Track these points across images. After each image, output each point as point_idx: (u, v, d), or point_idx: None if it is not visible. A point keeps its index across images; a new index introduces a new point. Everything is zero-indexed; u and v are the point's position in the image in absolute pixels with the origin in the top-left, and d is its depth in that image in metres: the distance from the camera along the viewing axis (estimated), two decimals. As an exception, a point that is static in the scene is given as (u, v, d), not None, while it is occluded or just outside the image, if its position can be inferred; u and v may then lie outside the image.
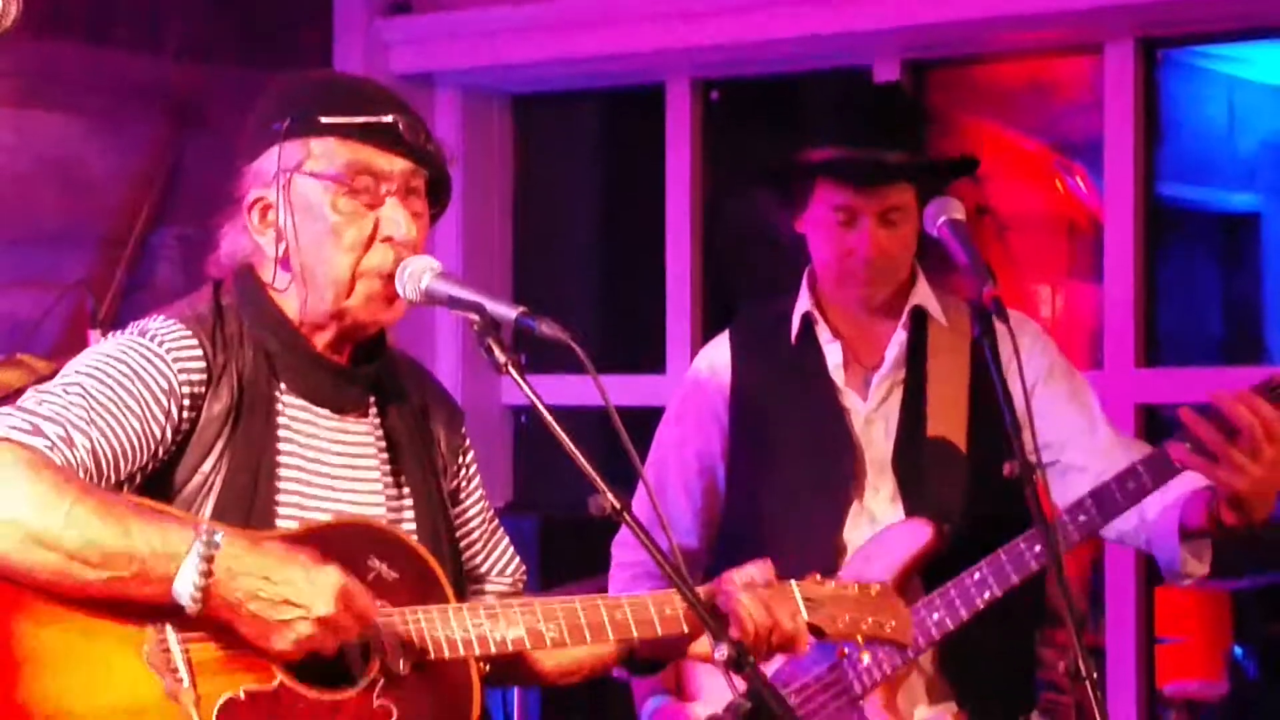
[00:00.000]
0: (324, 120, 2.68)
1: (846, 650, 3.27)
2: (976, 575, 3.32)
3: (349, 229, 2.67)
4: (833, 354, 3.55)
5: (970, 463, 3.47)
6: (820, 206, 3.47)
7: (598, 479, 2.50)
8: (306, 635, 2.47)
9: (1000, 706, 3.50)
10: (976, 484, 3.45)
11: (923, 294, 3.56)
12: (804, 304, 3.58)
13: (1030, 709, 3.55)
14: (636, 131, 6.15)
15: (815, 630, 2.82)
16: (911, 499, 3.45)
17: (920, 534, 3.35)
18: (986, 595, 3.32)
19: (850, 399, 3.53)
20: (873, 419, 3.51)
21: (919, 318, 3.55)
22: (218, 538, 2.44)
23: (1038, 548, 3.28)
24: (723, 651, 2.42)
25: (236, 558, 2.45)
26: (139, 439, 2.57)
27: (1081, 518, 3.29)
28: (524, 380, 2.53)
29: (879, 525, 3.44)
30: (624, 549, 3.67)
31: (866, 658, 3.31)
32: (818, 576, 2.91)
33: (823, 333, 3.56)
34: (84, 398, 2.55)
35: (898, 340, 3.53)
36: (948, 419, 3.48)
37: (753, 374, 3.60)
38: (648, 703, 3.56)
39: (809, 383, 3.54)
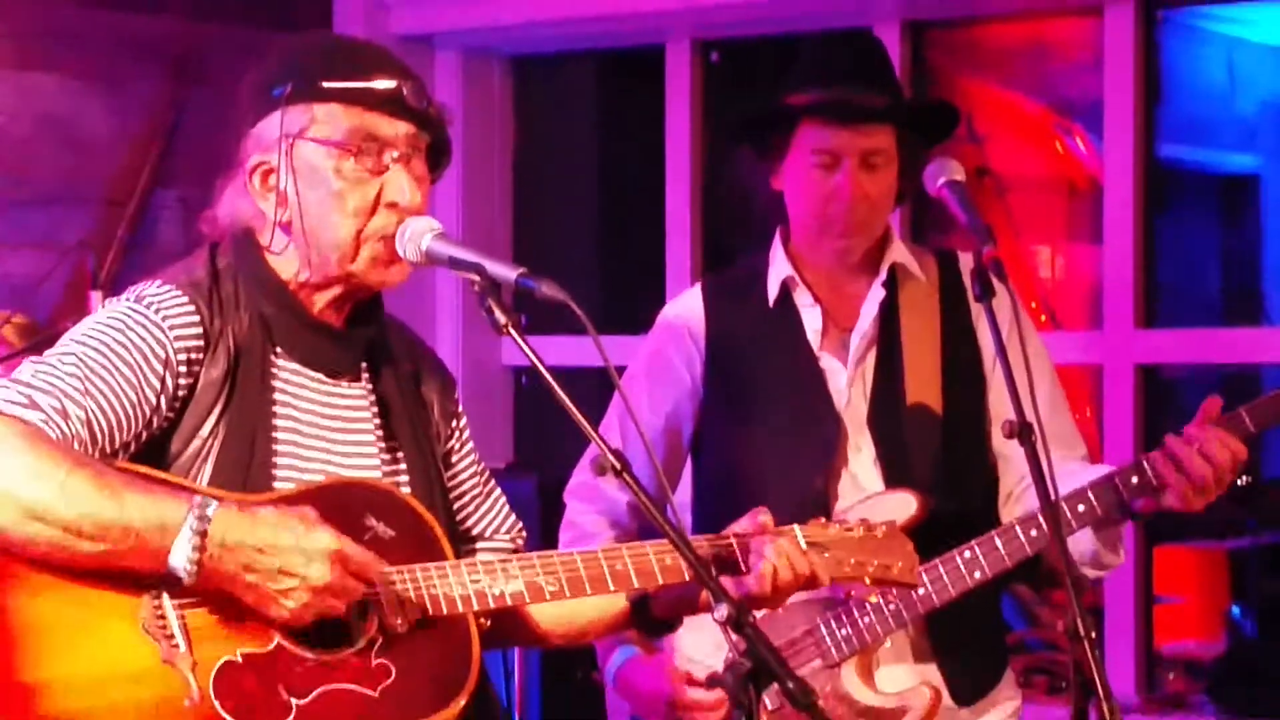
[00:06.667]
0: (327, 85, 2.66)
1: (853, 593, 3.28)
2: (983, 547, 3.32)
3: (353, 194, 2.66)
4: (811, 319, 3.51)
5: (945, 424, 3.46)
6: (800, 152, 3.43)
7: (599, 439, 2.51)
8: (305, 604, 2.47)
9: (979, 665, 3.49)
10: (953, 445, 3.45)
11: (899, 250, 3.53)
12: (782, 268, 3.53)
13: (1004, 667, 3.55)
14: (636, 93, 6.15)
15: None
16: (891, 461, 3.44)
17: (907, 506, 3.33)
18: (981, 574, 3.31)
19: (828, 362, 3.50)
20: (853, 379, 3.49)
21: (891, 275, 3.53)
22: (210, 510, 2.45)
23: (1034, 532, 3.29)
24: (722, 612, 2.42)
25: (230, 528, 2.45)
26: (134, 408, 2.57)
27: (1033, 532, 3.29)
28: (524, 341, 2.53)
29: (862, 487, 3.44)
30: (577, 499, 3.63)
31: (875, 599, 3.31)
32: (822, 520, 2.92)
33: (802, 297, 3.52)
34: (79, 368, 2.54)
35: (875, 298, 3.49)
36: (923, 380, 3.47)
37: (727, 328, 3.56)
38: (613, 655, 3.43)
39: (786, 346, 3.51)
